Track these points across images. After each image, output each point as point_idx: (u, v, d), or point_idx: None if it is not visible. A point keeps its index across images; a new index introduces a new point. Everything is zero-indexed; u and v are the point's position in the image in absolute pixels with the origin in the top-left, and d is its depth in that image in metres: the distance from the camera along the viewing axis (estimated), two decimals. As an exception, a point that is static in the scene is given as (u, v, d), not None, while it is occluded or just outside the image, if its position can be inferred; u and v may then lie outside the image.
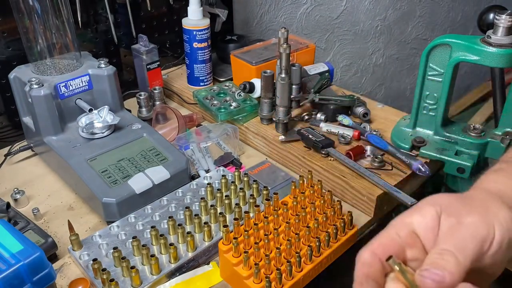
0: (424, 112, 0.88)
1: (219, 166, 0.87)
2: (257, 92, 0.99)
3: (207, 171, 0.87)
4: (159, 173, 0.79)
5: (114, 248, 0.66)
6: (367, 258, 0.36)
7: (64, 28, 0.86)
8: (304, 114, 0.98)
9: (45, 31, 0.84)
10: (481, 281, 0.40)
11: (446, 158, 0.82)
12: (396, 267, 0.34)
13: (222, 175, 0.80)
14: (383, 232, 0.38)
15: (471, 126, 0.86)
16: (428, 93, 0.86)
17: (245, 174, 0.80)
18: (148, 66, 1.07)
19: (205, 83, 1.12)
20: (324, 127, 0.93)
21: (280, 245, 0.64)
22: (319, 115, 0.97)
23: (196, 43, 1.06)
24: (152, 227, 0.69)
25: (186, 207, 0.72)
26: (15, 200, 0.81)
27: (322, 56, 1.79)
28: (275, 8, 1.56)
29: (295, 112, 0.99)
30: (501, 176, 0.42)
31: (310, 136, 0.88)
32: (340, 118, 0.94)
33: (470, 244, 0.35)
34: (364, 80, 2.08)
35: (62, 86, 0.84)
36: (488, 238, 0.35)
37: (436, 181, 0.96)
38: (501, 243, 0.36)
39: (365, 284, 0.35)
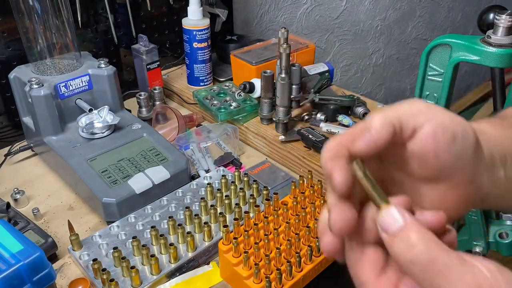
0: (424, 112, 0.87)
1: (219, 166, 0.87)
2: (257, 92, 0.99)
3: (207, 171, 0.87)
4: (159, 173, 0.79)
5: (114, 248, 0.66)
6: (333, 145, 0.33)
7: (64, 28, 0.86)
8: (304, 114, 0.98)
9: (45, 31, 0.84)
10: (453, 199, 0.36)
11: (446, 158, 0.82)
12: (356, 166, 0.32)
13: (222, 175, 0.80)
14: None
15: (471, 126, 0.85)
16: (428, 93, 0.86)
17: (245, 174, 0.80)
18: (148, 66, 1.07)
19: (205, 83, 1.12)
20: (324, 127, 0.93)
21: (280, 245, 0.64)
22: (319, 115, 0.96)
23: (196, 43, 1.06)
24: (152, 227, 0.69)
25: (186, 207, 0.72)
26: (15, 200, 0.81)
27: (322, 56, 1.79)
28: (275, 8, 1.56)
29: (295, 112, 0.99)
30: (489, 127, 0.40)
31: (310, 136, 0.88)
32: (340, 118, 0.94)
33: (400, 106, 0.33)
34: (364, 80, 2.08)
35: (62, 86, 0.84)
36: (426, 108, 0.33)
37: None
38: (446, 125, 0.33)
39: (335, 158, 0.32)
